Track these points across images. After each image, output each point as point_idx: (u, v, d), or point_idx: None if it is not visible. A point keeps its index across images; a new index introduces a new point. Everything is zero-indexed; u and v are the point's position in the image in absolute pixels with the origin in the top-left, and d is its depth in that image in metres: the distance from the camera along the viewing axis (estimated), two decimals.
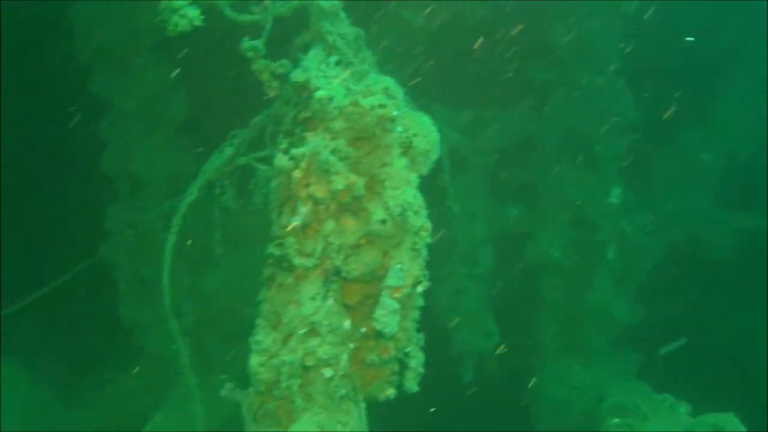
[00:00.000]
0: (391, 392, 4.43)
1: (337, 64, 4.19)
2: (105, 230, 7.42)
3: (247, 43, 4.21)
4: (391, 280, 4.02)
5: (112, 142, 7.23)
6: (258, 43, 4.23)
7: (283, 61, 4.22)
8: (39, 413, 11.11)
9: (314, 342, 4.06)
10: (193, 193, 5.08)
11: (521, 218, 8.72)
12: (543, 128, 8.50)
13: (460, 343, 8.68)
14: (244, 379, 4.45)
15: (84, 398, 9.84)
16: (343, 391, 4.22)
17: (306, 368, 4.13)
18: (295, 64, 4.15)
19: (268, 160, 4.74)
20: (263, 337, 4.16)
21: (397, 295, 4.08)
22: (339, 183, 3.78)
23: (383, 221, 3.90)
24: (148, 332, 7.71)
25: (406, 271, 4.06)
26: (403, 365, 4.36)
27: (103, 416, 9.53)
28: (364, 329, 4.21)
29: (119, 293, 7.53)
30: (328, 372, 4.16)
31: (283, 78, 4.19)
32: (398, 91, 4.04)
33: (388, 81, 4.03)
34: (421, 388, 4.32)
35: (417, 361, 4.38)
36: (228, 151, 5.01)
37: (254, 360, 4.16)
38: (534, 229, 8.68)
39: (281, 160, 3.86)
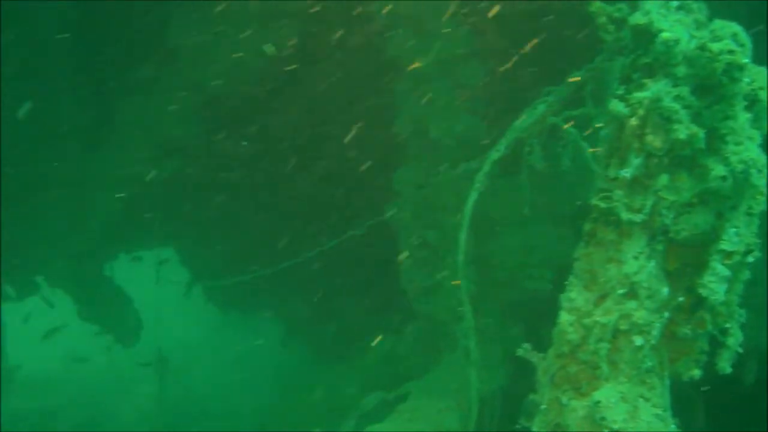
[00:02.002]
0: (696, 373, 4.11)
1: (678, 9, 3.90)
2: (393, 191, 7.56)
3: None
4: (725, 244, 3.70)
5: (405, 104, 7.35)
6: None
7: (621, 5, 4.00)
8: (296, 373, 11.73)
9: (631, 305, 3.83)
10: (500, 151, 4.99)
11: None
12: None
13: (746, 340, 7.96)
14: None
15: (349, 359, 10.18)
16: (649, 364, 3.96)
17: (617, 333, 3.92)
18: (634, 8, 3.92)
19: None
20: (576, 295, 3.98)
21: (728, 261, 3.76)
22: (681, 132, 3.52)
23: (723, 178, 3.59)
24: (425, 296, 7.76)
25: (740, 236, 3.73)
26: (715, 344, 4.04)
27: (367, 378, 9.81)
28: (681, 298, 3.93)
29: (402, 255, 7.64)
30: (638, 340, 3.92)
31: (620, 22, 3.97)
32: (746, 38, 3.70)
33: (736, 27, 3.69)
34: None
35: (735, 339, 4.05)
36: (540, 109, 4.87)
37: (564, 318, 3.99)
38: None
39: (617, 107, 3.65)
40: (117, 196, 9.63)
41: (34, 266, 10.65)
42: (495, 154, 4.99)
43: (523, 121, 4.85)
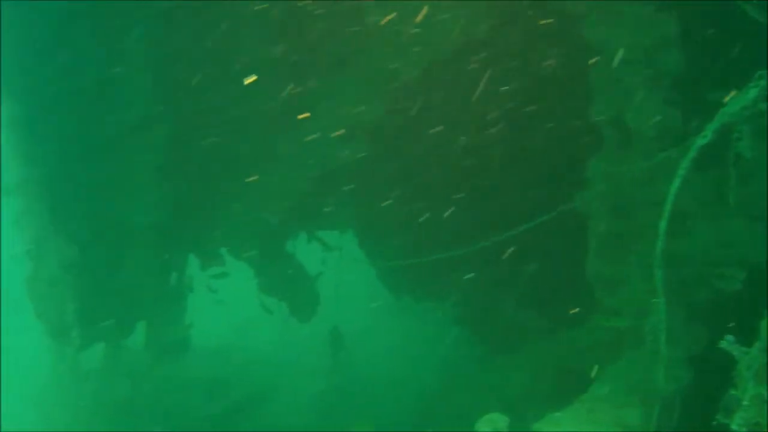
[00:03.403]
0: None
1: None
2: (583, 179, 7.44)
3: None
4: None
5: (601, 92, 7.21)
6: None
7: None
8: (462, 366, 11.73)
9: None
10: (707, 136, 4.81)
11: None
12: None
13: None
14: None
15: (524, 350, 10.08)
16: None
17: None
18: None
19: None
20: None
21: None
22: None
23: None
24: (610, 288, 7.59)
25: None
26: None
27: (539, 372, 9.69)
28: None
29: (590, 245, 7.50)
30: None
31: None
32: None
33: None
34: None
35: None
36: (752, 93, 4.65)
37: None
38: None
39: None
40: (306, 175, 10.01)
41: (220, 239, 11.27)
42: (701, 140, 4.81)
43: (732, 105, 4.65)
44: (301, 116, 9.42)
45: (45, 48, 9.70)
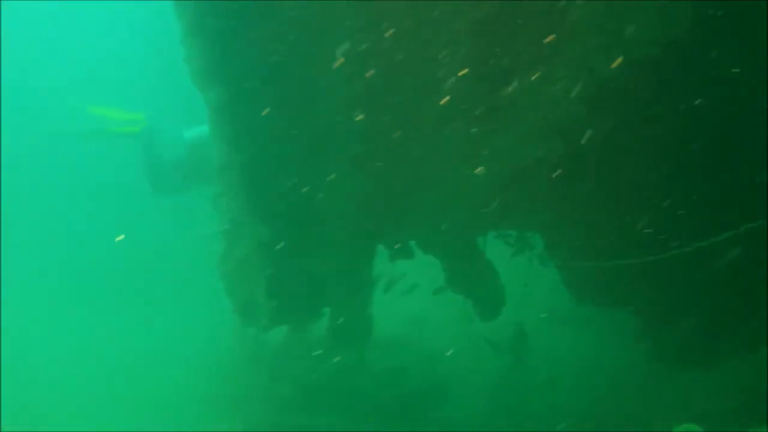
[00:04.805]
0: None
1: None
2: None
3: None
4: None
5: None
6: None
7: None
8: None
9: None
10: None
11: None
12: None
13: None
14: None
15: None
16: None
17: None
18: None
19: None
20: None
21: None
22: None
23: None
24: None
25: None
26: None
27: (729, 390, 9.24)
28: None
29: None
30: None
31: None
32: None
33: None
34: None
35: None
36: None
37: None
38: None
39: None
40: (499, 173, 9.88)
41: (409, 232, 11.32)
42: None
43: None
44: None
45: (252, 37, 9.98)
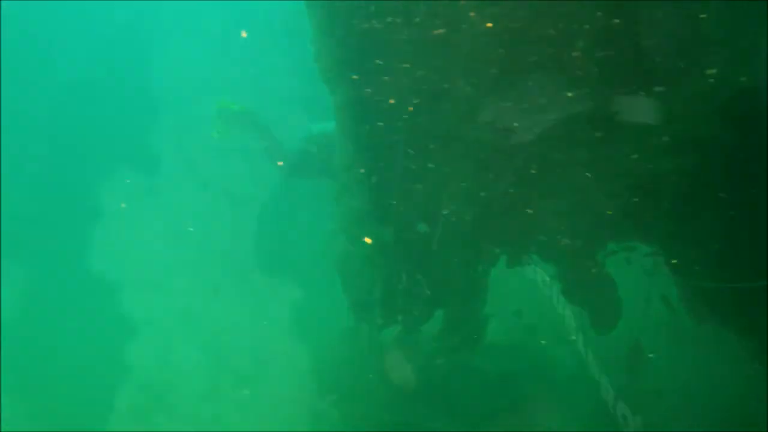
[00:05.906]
0: None
1: None
2: None
3: None
4: None
5: None
6: None
7: None
8: None
9: None
10: None
11: None
12: None
13: None
14: None
15: None
16: None
17: None
18: None
19: None
20: None
21: None
22: None
23: None
24: None
25: None
26: None
27: None
28: None
29: None
30: None
31: None
32: None
33: None
34: None
35: None
36: None
37: None
38: None
39: None
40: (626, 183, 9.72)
41: (528, 239, 11.24)
42: None
43: None
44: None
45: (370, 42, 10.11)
